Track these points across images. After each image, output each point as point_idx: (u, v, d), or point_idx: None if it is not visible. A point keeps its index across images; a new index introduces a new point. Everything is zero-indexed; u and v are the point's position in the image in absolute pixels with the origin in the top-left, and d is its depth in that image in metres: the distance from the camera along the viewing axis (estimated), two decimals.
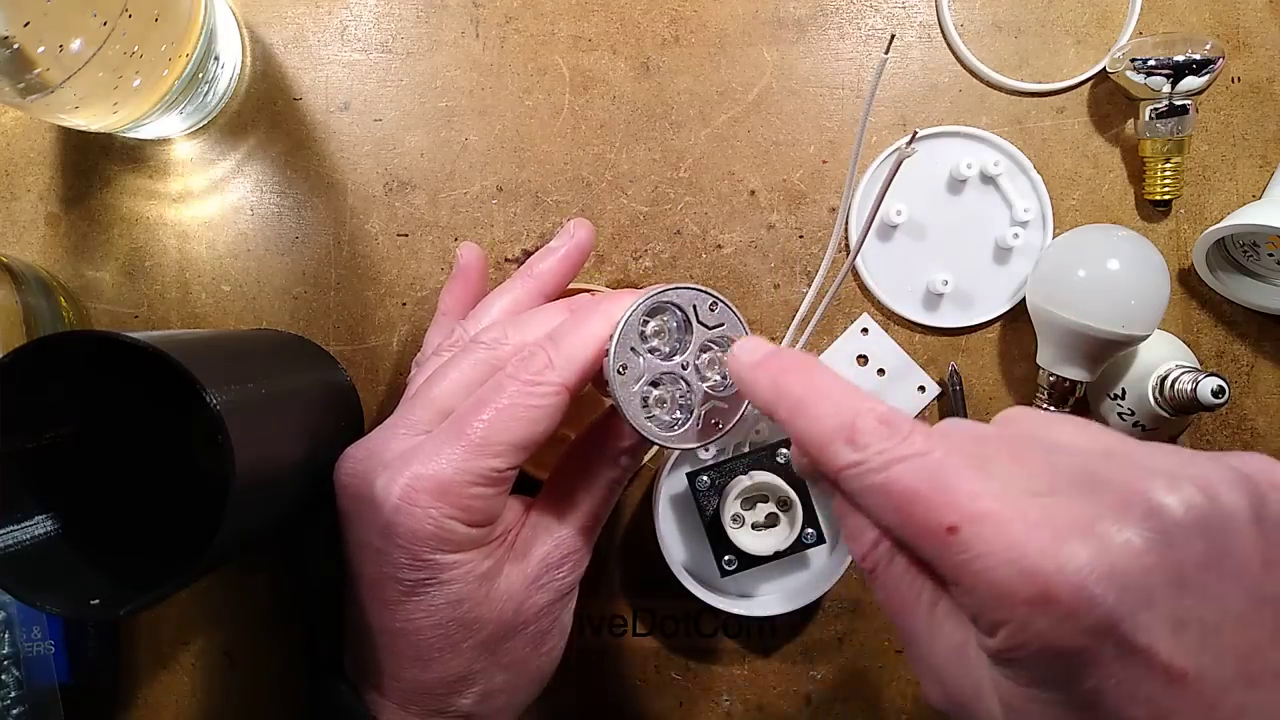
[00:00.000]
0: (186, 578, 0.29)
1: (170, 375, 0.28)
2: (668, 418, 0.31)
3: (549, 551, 0.32)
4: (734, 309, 0.32)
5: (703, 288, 0.31)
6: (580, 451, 0.34)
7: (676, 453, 0.40)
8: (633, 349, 0.30)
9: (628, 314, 0.30)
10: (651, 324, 0.31)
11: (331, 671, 0.33)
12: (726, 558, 0.39)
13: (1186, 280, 0.44)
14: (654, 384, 0.31)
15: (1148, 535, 0.19)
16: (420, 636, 0.30)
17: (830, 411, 0.23)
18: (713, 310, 0.31)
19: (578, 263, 0.36)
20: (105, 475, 0.35)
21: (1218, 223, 0.41)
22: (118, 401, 0.35)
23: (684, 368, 0.31)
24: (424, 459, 0.29)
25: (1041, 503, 0.20)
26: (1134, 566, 0.18)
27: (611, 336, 0.30)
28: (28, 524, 0.31)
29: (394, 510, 0.28)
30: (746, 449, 0.40)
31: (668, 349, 0.31)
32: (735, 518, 0.39)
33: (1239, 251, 0.43)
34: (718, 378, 0.32)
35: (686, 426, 0.31)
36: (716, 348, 0.32)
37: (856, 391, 0.24)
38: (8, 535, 0.30)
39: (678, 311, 0.31)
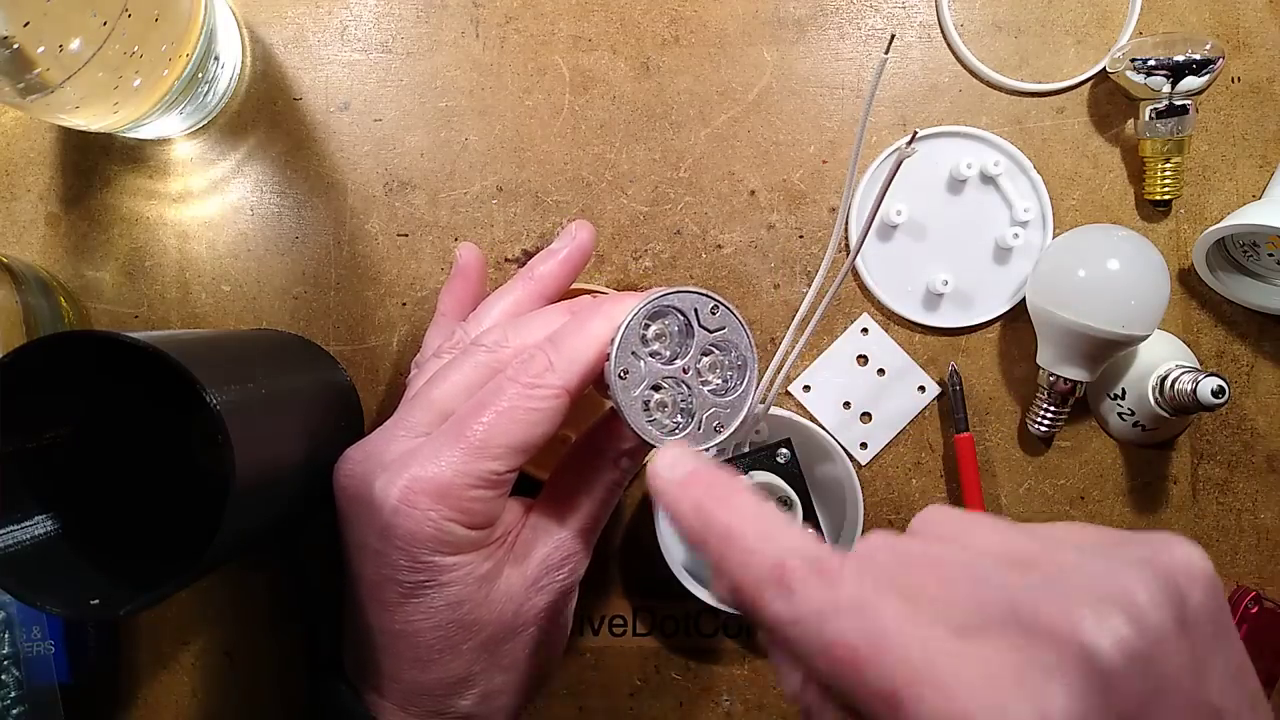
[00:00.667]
0: (186, 578, 0.29)
1: (170, 375, 0.28)
2: (669, 421, 0.31)
3: (549, 553, 0.32)
4: (735, 312, 0.31)
5: (704, 291, 0.31)
6: (580, 453, 0.34)
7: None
8: (634, 353, 0.30)
9: (629, 318, 0.30)
10: (653, 328, 0.31)
11: (331, 672, 0.33)
12: None
13: (1186, 280, 0.44)
14: (655, 388, 0.31)
15: (1086, 685, 0.18)
16: (419, 638, 0.30)
17: (758, 549, 0.22)
18: (714, 314, 0.31)
19: (579, 265, 0.36)
20: (105, 475, 0.35)
21: (1218, 223, 0.41)
22: (118, 401, 0.35)
23: (685, 371, 0.31)
24: (423, 461, 0.29)
25: (978, 651, 0.19)
26: None
27: (613, 340, 0.30)
28: (28, 524, 0.31)
29: (393, 512, 0.28)
30: (746, 449, 0.40)
31: (669, 353, 0.31)
32: None
33: (1239, 251, 0.43)
34: (719, 381, 0.32)
35: (688, 430, 0.31)
36: (718, 351, 0.32)
37: (780, 522, 0.23)
38: (8, 535, 0.30)
39: (679, 315, 0.31)
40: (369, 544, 0.30)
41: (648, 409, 0.31)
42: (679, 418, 0.31)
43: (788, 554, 0.21)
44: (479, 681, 0.31)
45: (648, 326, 0.31)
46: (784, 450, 0.39)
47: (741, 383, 0.32)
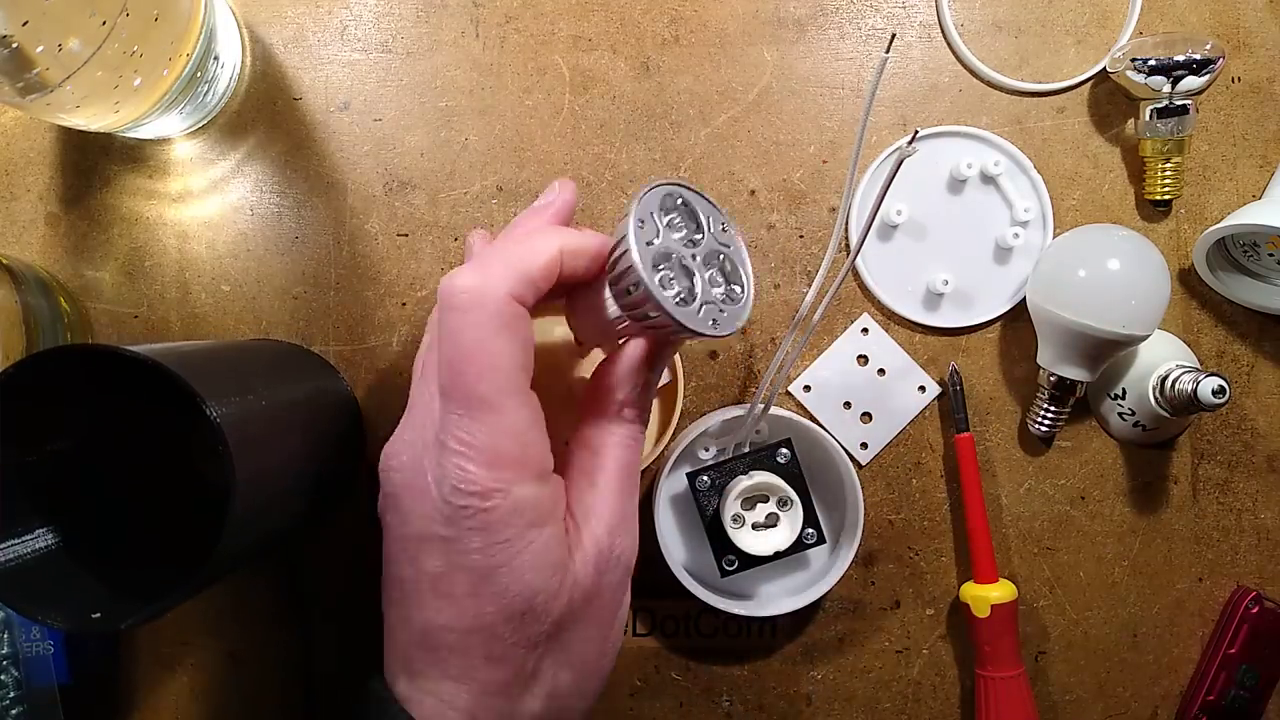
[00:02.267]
0: (187, 590, 0.29)
1: (170, 387, 0.28)
2: (672, 288, 0.30)
3: (594, 530, 0.30)
4: (743, 243, 0.32)
5: (720, 207, 0.32)
6: (586, 428, 0.32)
7: (678, 452, 0.40)
8: (643, 221, 0.29)
9: (655, 185, 0.30)
10: (670, 216, 0.31)
11: (380, 696, 0.30)
12: (727, 558, 0.39)
13: (1186, 280, 0.44)
14: (656, 265, 0.30)
15: None
16: (494, 630, 0.28)
17: None
18: (725, 230, 0.31)
19: (565, 221, 0.34)
20: (106, 487, 0.34)
21: (1218, 223, 0.41)
22: (118, 413, 0.35)
23: (694, 258, 0.30)
24: (456, 440, 0.27)
25: None
26: None
27: (637, 199, 0.29)
28: (29, 537, 0.31)
29: (458, 497, 0.27)
30: (746, 449, 0.40)
31: (681, 235, 0.31)
32: (735, 518, 0.39)
33: (1239, 251, 0.43)
34: (719, 291, 0.31)
35: (691, 306, 0.30)
36: (720, 265, 0.32)
37: None
38: (9, 549, 0.30)
39: (691, 215, 0.31)
40: (433, 533, 0.28)
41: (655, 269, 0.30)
42: (686, 284, 0.30)
43: None
44: (546, 678, 0.30)
45: (667, 209, 0.30)
46: (784, 450, 0.39)
47: (740, 300, 0.32)
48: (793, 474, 0.39)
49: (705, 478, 0.39)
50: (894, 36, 0.41)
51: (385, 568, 0.31)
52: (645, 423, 0.33)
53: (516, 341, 0.28)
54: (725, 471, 0.39)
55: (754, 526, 0.39)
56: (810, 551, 0.41)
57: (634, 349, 0.31)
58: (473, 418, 0.27)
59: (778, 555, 0.39)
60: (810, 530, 0.39)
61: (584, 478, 0.31)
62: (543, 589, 0.28)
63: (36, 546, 0.31)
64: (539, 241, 0.29)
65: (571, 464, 0.32)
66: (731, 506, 0.39)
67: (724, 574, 0.39)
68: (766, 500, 0.39)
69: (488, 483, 0.27)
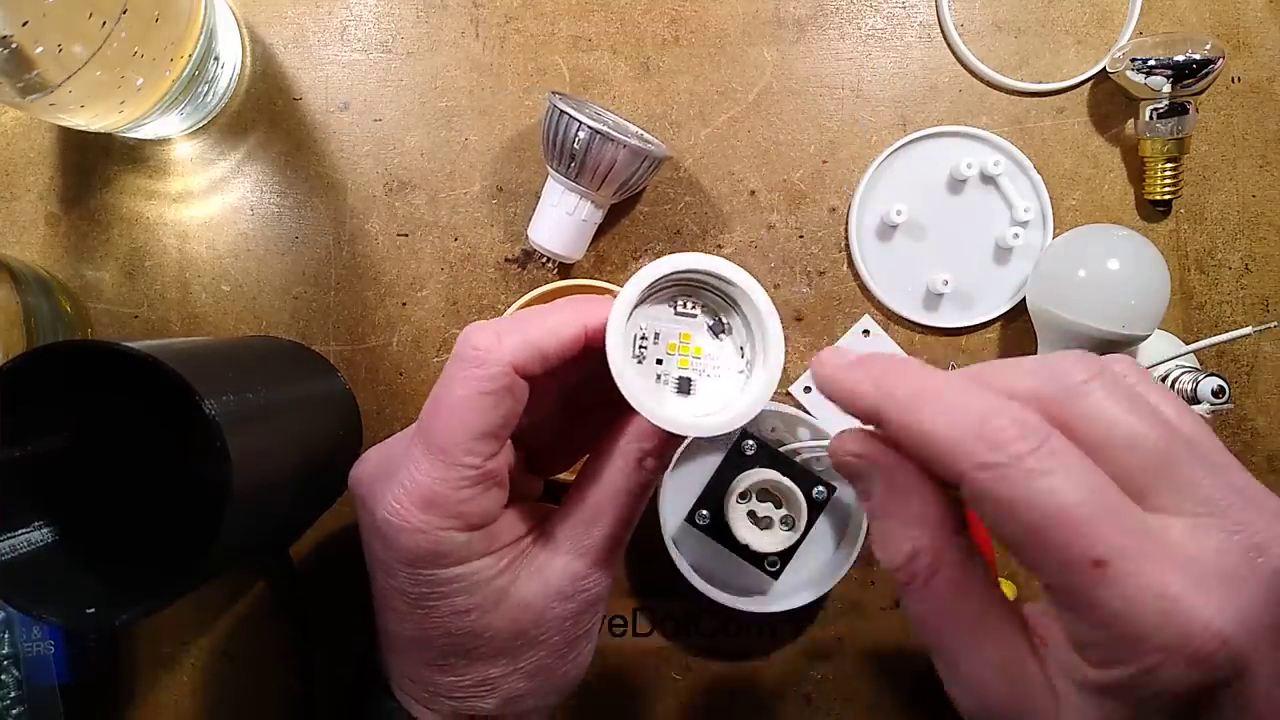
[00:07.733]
0: (183, 587, 0.29)
1: (168, 384, 0.28)
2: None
3: (570, 562, 0.30)
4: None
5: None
6: (603, 457, 0.31)
7: (683, 446, 0.40)
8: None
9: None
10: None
11: (378, 684, 0.32)
12: (700, 513, 0.39)
13: (1186, 280, 0.44)
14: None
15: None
16: (432, 644, 0.29)
17: (961, 404, 0.21)
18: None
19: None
20: (102, 483, 0.35)
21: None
22: (115, 409, 0.35)
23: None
24: (407, 472, 0.28)
25: (1192, 538, 0.20)
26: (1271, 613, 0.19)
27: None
28: (24, 532, 0.31)
29: (388, 526, 0.28)
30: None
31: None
32: (742, 495, 0.39)
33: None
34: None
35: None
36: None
37: (979, 389, 0.22)
38: (4, 543, 0.30)
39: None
40: (376, 553, 0.29)
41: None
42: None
43: (993, 411, 0.21)
44: (500, 685, 0.30)
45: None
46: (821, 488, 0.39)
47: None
48: (797, 469, 0.39)
49: (705, 512, 0.39)
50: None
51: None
52: (662, 473, 0.31)
53: (499, 410, 0.28)
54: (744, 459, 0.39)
55: (749, 514, 0.39)
56: (810, 551, 0.41)
57: None
58: (429, 460, 0.28)
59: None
60: (821, 487, 0.39)
61: (580, 513, 0.31)
62: (475, 607, 0.29)
63: (32, 541, 0.31)
64: (563, 320, 0.29)
65: (575, 489, 0.31)
66: (740, 484, 0.39)
67: (695, 526, 0.39)
68: (777, 505, 0.39)
69: (415, 520, 0.28)
